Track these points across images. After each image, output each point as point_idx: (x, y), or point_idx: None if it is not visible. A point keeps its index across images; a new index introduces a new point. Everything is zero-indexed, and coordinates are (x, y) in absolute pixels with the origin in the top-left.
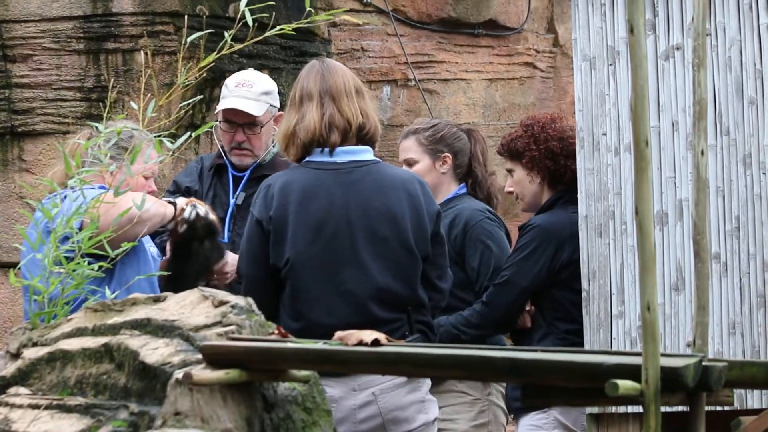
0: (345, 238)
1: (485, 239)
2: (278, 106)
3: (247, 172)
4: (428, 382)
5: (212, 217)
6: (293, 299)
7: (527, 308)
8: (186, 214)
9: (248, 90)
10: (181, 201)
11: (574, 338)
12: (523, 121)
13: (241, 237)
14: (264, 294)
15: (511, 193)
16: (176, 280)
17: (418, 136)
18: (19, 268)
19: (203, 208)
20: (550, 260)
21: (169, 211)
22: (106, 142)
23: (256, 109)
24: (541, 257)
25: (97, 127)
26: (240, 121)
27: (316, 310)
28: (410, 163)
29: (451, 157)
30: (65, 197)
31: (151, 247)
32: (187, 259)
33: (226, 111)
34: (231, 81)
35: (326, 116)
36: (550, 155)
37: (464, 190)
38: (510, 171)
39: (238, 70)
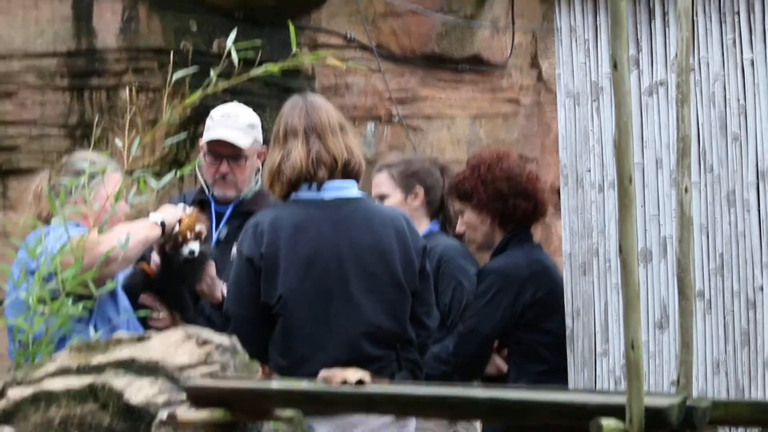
0: (335, 274)
1: (458, 275)
2: (261, 140)
3: (230, 207)
4: (414, 420)
5: (205, 245)
6: (285, 337)
7: (499, 349)
8: (184, 254)
9: (234, 121)
10: (169, 219)
11: (546, 380)
12: (469, 161)
13: (223, 270)
14: (254, 333)
15: (462, 233)
16: (169, 290)
17: (391, 170)
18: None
19: (197, 245)
20: (512, 304)
21: (155, 234)
22: (75, 174)
23: (242, 140)
24: (502, 302)
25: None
26: (225, 153)
27: (308, 347)
28: (382, 196)
29: (423, 191)
30: (48, 234)
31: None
32: (180, 271)
33: (211, 142)
34: (216, 113)
35: (313, 153)
36: (499, 196)
37: (437, 228)
38: (460, 212)
39: None
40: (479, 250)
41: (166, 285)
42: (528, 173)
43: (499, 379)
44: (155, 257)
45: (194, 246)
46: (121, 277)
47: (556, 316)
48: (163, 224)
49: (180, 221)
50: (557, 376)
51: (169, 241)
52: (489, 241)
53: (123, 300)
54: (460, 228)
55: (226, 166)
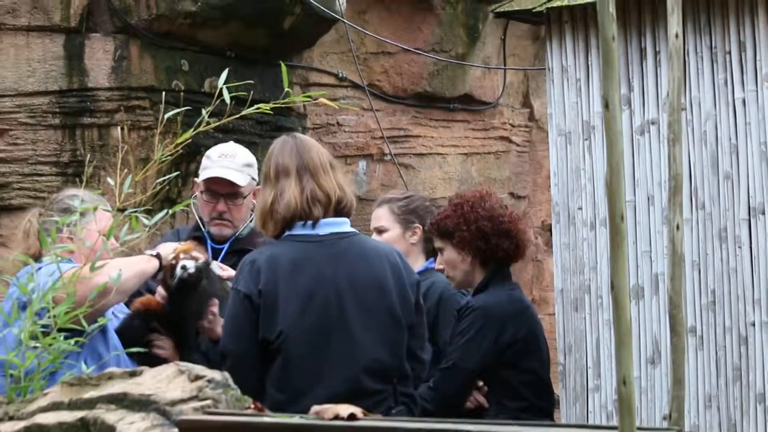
0: (335, 309)
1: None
2: (257, 179)
3: (227, 245)
4: None
5: (200, 263)
6: (283, 371)
7: (479, 385)
8: (177, 273)
9: (232, 160)
10: (165, 251)
11: (525, 417)
12: (451, 199)
13: (221, 307)
14: (252, 369)
15: (441, 271)
16: (177, 322)
17: (391, 205)
18: None
19: (192, 263)
20: (494, 341)
21: (151, 266)
22: (62, 212)
23: (240, 179)
24: (484, 339)
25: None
26: (222, 191)
27: (307, 381)
28: (381, 230)
29: (421, 228)
30: (40, 270)
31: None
32: (184, 302)
33: (209, 181)
34: (213, 152)
35: (307, 191)
36: (481, 235)
37: (433, 265)
38: (440, 250)
39: (214, 144)
40: (458, 288)
41: (173, 318)
42: (510, 213)
43: (477, 416)
44: (161, 290)
45: (188, 263)
46: (111, 314)
47: (536, 354)
48: (159, 256)
49: (175, 250)
50: (536, 413)
51: (167, 272)
52: (468, 279)
53: (113, 337)
54: (438, 266)
55: (223, 205)
